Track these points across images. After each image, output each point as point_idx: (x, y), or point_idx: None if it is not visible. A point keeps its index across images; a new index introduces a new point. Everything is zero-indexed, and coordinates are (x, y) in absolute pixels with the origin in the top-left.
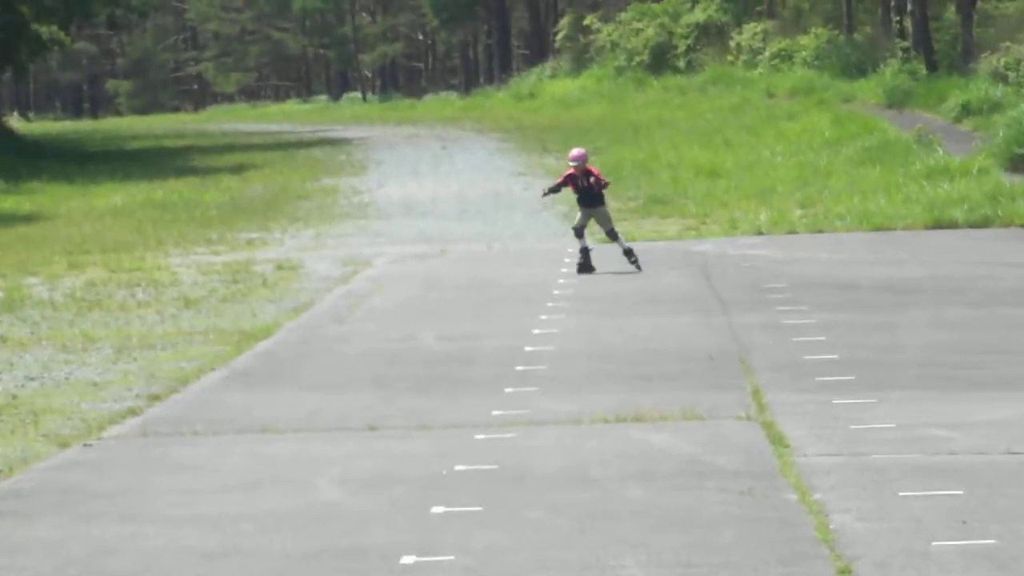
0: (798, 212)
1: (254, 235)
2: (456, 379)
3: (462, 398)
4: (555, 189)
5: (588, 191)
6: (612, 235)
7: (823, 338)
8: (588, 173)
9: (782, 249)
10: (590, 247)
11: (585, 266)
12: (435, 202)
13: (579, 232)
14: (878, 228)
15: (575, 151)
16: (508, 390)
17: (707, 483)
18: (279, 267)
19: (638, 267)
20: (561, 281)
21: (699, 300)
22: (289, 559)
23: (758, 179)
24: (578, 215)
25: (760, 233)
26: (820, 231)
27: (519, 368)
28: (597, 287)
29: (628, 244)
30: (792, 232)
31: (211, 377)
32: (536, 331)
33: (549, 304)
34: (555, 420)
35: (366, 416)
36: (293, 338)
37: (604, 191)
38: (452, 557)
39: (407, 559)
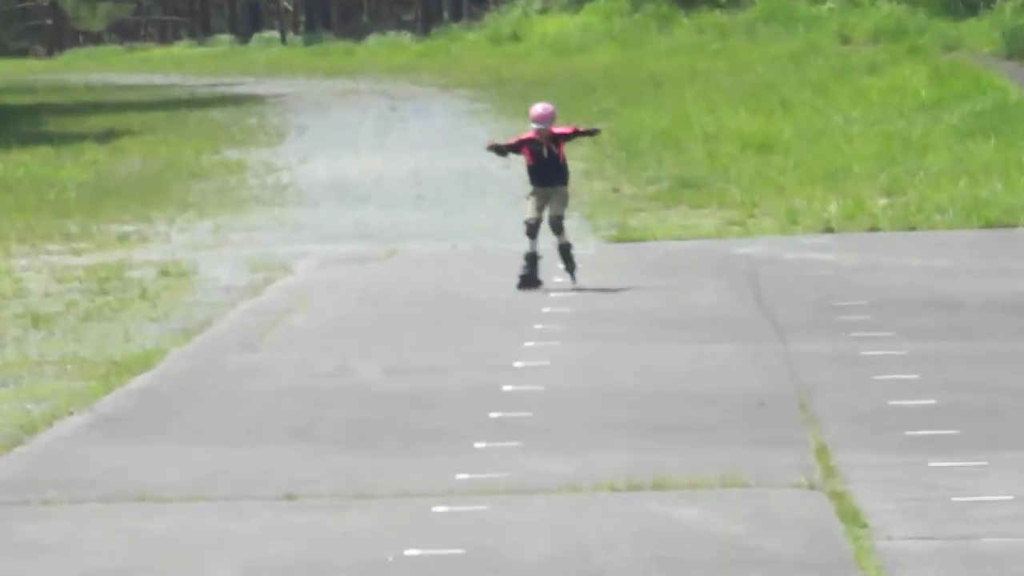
0: (882, 202)
1: (129, 228)
2: (408, 429)
3: (416, 456)
4: (501, 150)
5: (550, 164)
6: (558, 224)
7: (915, 376)
8: (555, 138)
9: (859, 253)
10: (540, 254)
11: (529, 279)
12: (380, 184)
13: (533, 229)
14: (992, 224)
15: (539, 107)
16: (479, 445)
17: None
18: (164, 273)
19: (573, 276)
20: (553, 295)
21: (744, 322)
22: None
23: (827, 156)
24: (528, 203)
25: (829, 230)
26: (912, 228)
27: (494, 415)
28: (603, 304)
29: (569, 240)
30: (873, 229)
31: (68, 424)
32: (519, 363)
33: (537, 326)
34: (544, 487)
35: (282, 480)
36: (182, 371)
37: (591, 132)
38: None
39: None
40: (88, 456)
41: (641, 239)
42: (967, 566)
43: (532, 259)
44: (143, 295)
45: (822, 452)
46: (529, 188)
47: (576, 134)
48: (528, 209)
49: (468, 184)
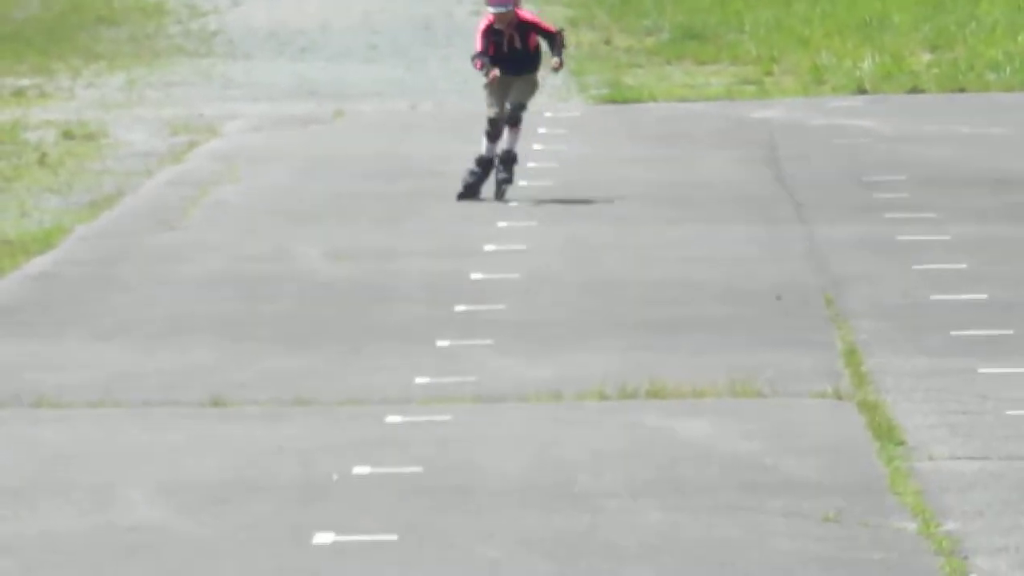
0: (925, 58)
1: (25, 82)
2: (357, 325)
3: (367, 356)
4: (485, 53)
5: (518, 56)
6: (517, 114)
7: (963, 266)
8: (523, 26)
9: (897, 118)
10: (495, 158)
11: (473, 189)
12: (326, 33)
13: (497, 128)
14: None
15: None
16: (442, 344)
17: (769, 502)
18: (67, 135)
19: (501, 190)
20: (532, 165)
21: (760, 201)
22: None
23: (860, 1)
24: (486, 94)
25: (862, 91)
26: (961, 90)
27: (460, 308)
28: (590, 177)
29: (516, 148)
30: (915, 91)
31: None
32: (489, 247)
33: (512, 203)
34: (519, 394)
35: (208, 384)
36: (89, 253)
37: (556, 49)
38: None
39: None
40: None
41: (637, 100)
42: (1021, 490)
43: (486, 165)
44: (42, 161)
45: (851, 355)
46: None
47: (544, 31)
48: (488, 101)
49: (429, 33)
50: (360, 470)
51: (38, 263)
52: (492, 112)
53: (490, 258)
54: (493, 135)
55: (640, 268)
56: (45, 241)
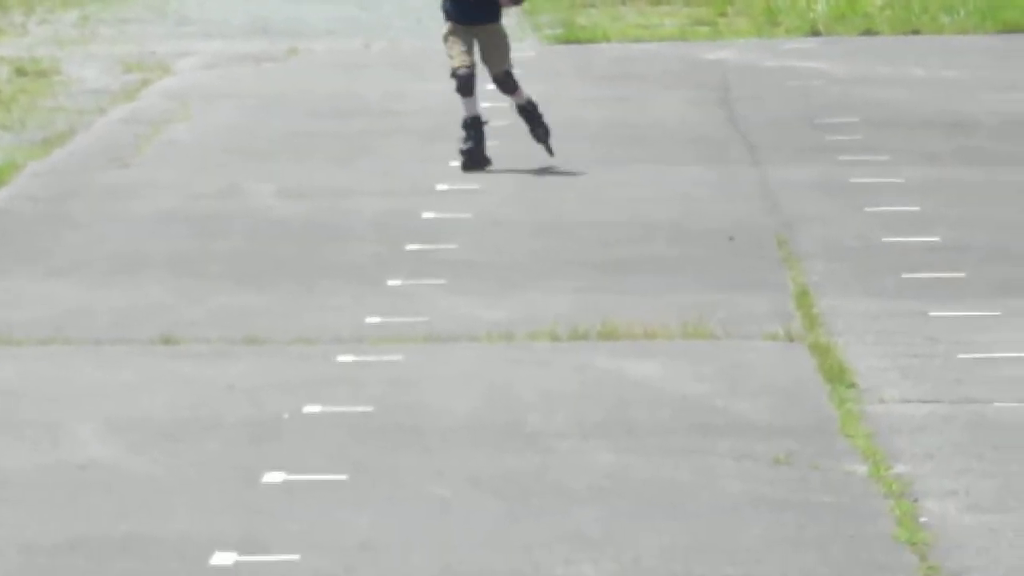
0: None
1: None
2: (309, 263)
3: (318, 295)
4: None
5: None
6: (507, 80)
7: (916, 208)
8: None
9: (851, 61)
10: (484, 117)
11: (475, 155)
12: None
13: (467, 81)
14: (1010, 28)
15: None
16: (393, 283)
17: (720, 444)
18: (19, 72)
19: (548, 145)
20: (486, 104)
21: (714, 142)
22: (30, 554)
23: None
24: (448, 47)
25: (816, 33)
26: (915, 32)
27: (412, 247)
28: (545, 116)
29: (529, 96)
30: (869, 32)
31: None
32: (442, 187)
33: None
34: (470, 334)
35: (159, 322)
36: (40, 190)
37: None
38: (295, 557)
39: (223, 557)
40: None
41: (591, 40)
42: (973, 434)
43: (475, 125)
44: None
45: (803, 297)
46: (446, 24)
47: None
48: (453, 54)
49: None
50: (311, 409)
51: None
52: (456, 63)
53: (442, 197)
54: (465, 88)
55: (592, 209)
56: None
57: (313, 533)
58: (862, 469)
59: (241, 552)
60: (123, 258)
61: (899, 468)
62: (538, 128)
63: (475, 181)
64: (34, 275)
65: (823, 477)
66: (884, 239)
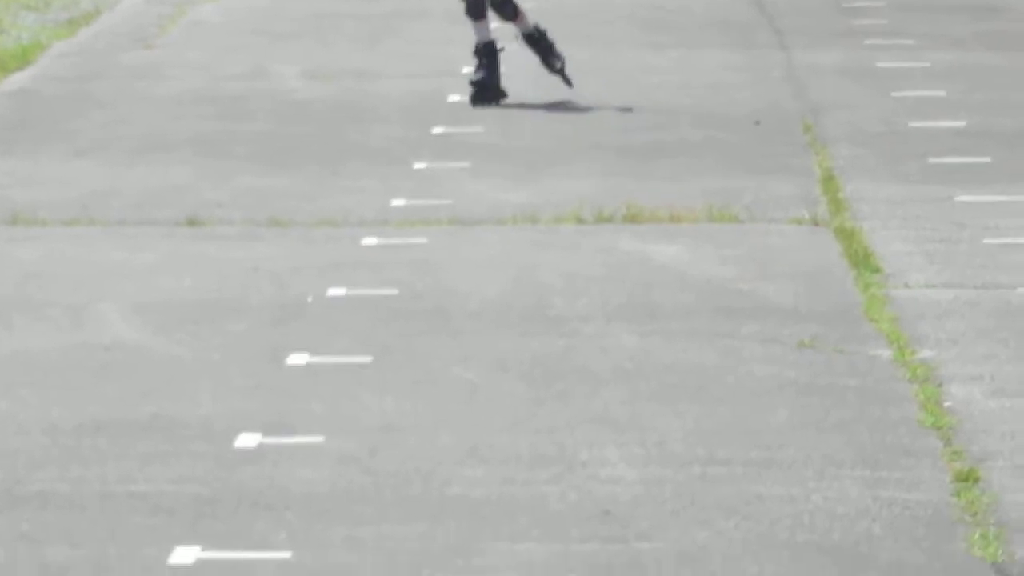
0: None
1: None
2: (334, 145)
3: (343, 177)
4: None
5: None
6: (504, 5)
7: (942, 93)
8: None
9: None
10: (499, 43)
11: (485, 87)
12: None
13: (474, 5)
14: None
15: None
16: (419, 165)
17: (744, 327)
18: None
19: (564, 75)
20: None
21: (739, 25)
22: (55, 435)
23: None
24: None
25: None
26: None
27: (437, 130)
28: (570, 0)
29: (535, 22)
30: None
31: None
32: (467, 69)
33: (492, 24)
34: (495, 217)
35: (184, 202)
36: (65, 70)
37: None
38: (320, 438)
39: (247, 438)
40: None
41: None
42: (999, 319)
43: (488, 52)
44: None
45: (829, 181)
46: None
47: None
48: None
49: None
50: (335, 292)
51: (15, 80)
52: None
53: (465, 82)
54: (475, 9)
55: (618, 93)
56: (22, 58)
57: (337, 415)
58: (887, 353)
59: (265, 434)
60: (148, 139)
61: (924, 353)
62: (551, 57)
63: (502, 63)
64: (59, 155)
65: (848, 361)
66: (910, 124)
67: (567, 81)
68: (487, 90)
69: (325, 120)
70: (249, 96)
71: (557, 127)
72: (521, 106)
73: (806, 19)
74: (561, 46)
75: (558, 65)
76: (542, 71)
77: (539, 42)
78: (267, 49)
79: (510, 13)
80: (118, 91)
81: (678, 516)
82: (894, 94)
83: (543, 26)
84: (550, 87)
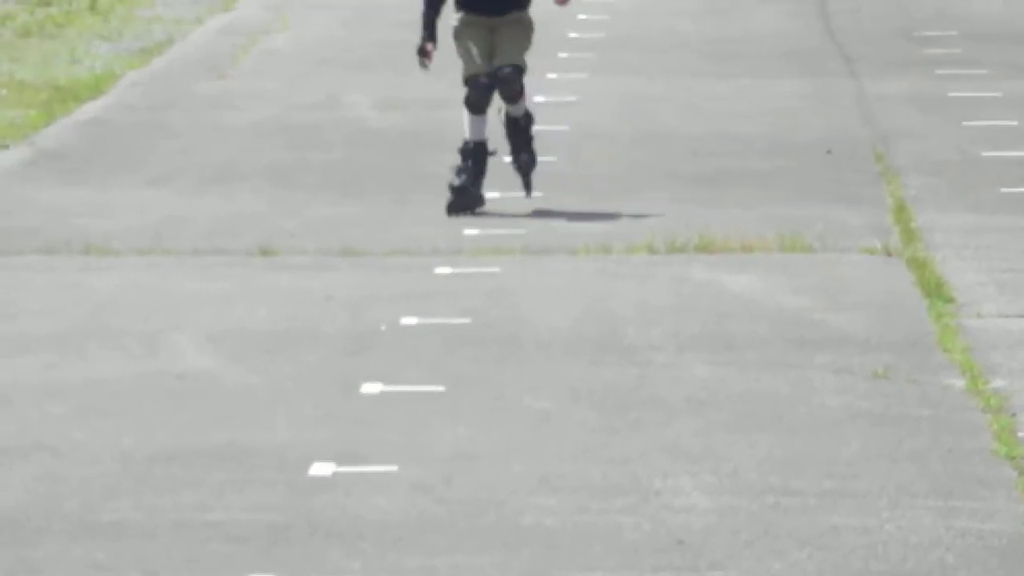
0: None
1: None
2: (406, 174)
3: (416, 206)
4: (429, 30)
5: None
6: (514, 80)
7: (1014, 123)
8: None
9: None
10: (491, 147)
11: (465, 194)
12: None
13: (482, 92)
14: None
15: None
16: (491, 194)
17: (817, 357)
18: None
19: (527, 185)
20: (583, 16)
21: (810, 54)
22: (128, 464)
23: None
24: (461, 46)
25: None
26: None
27: (508, 158)
28: (641, 29)
29: (529, 110)
30: None
31: (2, 159)
32: (540, 99)
33: (562, 54)
34: (567, 247)
35: (257, 232)
36: (139, 99)
37: None
38: (393, 467)
39: (321, 467)
40: (26, 198)
41: None
42: None
43: (478, 154)
44: (93, 7)
45: (901, 211)
46: (456, 16)
47: None
48: (465, 56)
49: None
50: (408, 320)
51: (88, 109)
52: (471, 70)
53: (540, 109)
54: (478, 104)
55: (690, 121)
56: (95, 87)
57: (411, 444)
58: (960, 383)
59: (339, 463)
60: (220, 168)
61: (997, 383)
62: (523, 153)
63: (573, 93)
64: (132, 185)
65: (921, 391)
66: (982, 153)
67: (527, 186)
68: (466, 197)
69: (398, 149)
70: (322, 125)
71: (629, 155)
72: (591, 135)
73: (876, 47)
74: (636, 74)
75: (524, 162)
76: (621, 103)
77: (520, 131)
78: (339, 78)
79: (515, 91)
80: (191, 120)
81: (752, 546)
82: (966, 123)
83: (535, 117)
84: (622, 116)
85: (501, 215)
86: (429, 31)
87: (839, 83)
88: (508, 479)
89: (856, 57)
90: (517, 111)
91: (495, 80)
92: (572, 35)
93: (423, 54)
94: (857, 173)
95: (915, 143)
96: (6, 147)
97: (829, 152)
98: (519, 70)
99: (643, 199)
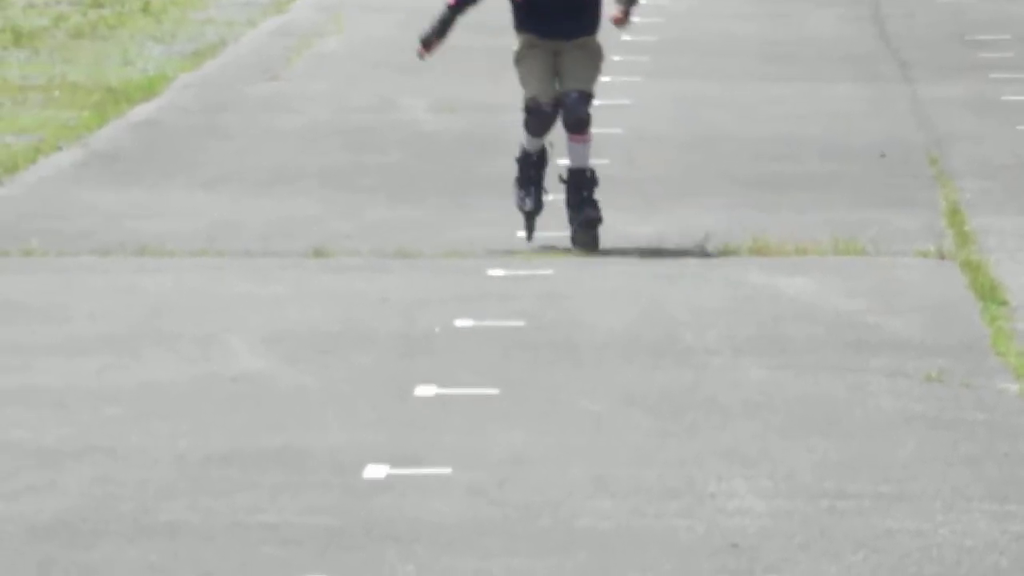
0: None
1: None
2: (460, 177)
3: (470, 209)
4: (442, 27)
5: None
6: (581, 106)
7: None
8: None
9: None
10: (546, 193)
11: (536, 216)
12: None
13: (544, 119)
14: None
15: None
16: (546, 197)
17: (872, 361)
18: None
19: (591, 237)
20: (636, 19)
21: (864, 58)
22: (183, 466)
23: None
24: (522, 69)
25: None
26: None
27: (564, 161)
28: (695, 32)
29: (586, 159)
30: None
31: (55, 161)
32: (595, 101)
33: (615, 57)
34: (621, 250)
35: (311, 234)
36: (191, 101)
37: None
38: (448, 470)
39: (375, 470)
40: (79, 200)
41: None
42: None
43: (539, 165)
44: (146, 9)
45: (955, 214)
46: (519, 38)
47: None
48: (527, 81)
49: None
50: (462, 323)
51: (141, 111)
52: (532, 92)
53: (594, 112)
54: (539, 128)
55: (744, 125)
56: (148, 89)
57: (465, 447)
58: (1014, 387)
59: (393, 465)
60: (274, 170)
61: None
62: (586, 208)
63: (627, 96)
64: (186, 187)
65: (975, 395)
66: None
67: (595, 240)
68: (537, 217)
69: (452, 152)
70: (376, 128)
71: (683, 158)
72: (645, 138)
73: (930, 52)
74: (690, 77)
75: (589, 221)
76: (675, 106)
77: (586, 186)
78: (393, 81)
79: (583, 121)
80: (244, 123)
81: (807, 549)
82: (1020, 127)
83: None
84: (676, 119)
85: (554, 217)
86: (442, 27)
87: (894, 87)
88: (563, 482)
89: (910, 61)
90: (581, 157)
91: (559, 107)
92: (625, 38)
93: (426, 47)
94: (911, 177)
95: (969, 147)
96: (59, 149)
97: (883, 156)
98: (587, 96)
99: (697, 202)
